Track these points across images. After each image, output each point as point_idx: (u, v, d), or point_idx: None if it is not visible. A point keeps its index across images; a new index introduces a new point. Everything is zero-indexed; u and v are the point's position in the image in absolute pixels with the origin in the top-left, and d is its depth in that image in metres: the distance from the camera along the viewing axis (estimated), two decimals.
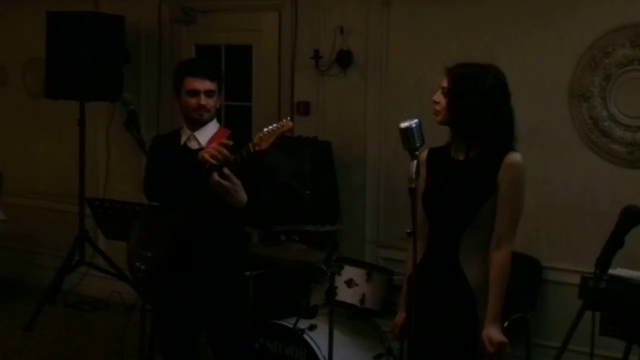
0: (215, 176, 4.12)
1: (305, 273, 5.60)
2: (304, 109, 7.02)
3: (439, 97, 3.78)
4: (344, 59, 6.75)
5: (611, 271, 3.77)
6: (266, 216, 4.81)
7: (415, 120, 3.57)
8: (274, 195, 4.66)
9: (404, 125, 3.57)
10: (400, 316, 4.03)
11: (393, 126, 3.74)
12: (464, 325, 3.75)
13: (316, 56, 6.85)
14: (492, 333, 3.70)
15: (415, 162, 3.57)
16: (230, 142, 4.14)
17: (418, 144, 3.58)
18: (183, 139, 4.53)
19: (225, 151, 4.13)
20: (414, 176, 3.55)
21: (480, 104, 3.71)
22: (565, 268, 5.72)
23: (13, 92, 8.81)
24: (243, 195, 4.24)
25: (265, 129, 4.07)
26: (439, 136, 3.89)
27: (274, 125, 4.07)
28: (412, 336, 3.66)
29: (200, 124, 4.48)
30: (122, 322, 6.25)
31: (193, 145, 4.49)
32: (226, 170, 4.12)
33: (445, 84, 3.77)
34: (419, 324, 3.71)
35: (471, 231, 3.73)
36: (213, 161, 4.14)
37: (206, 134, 4.50)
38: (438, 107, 3.78)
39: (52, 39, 7.43)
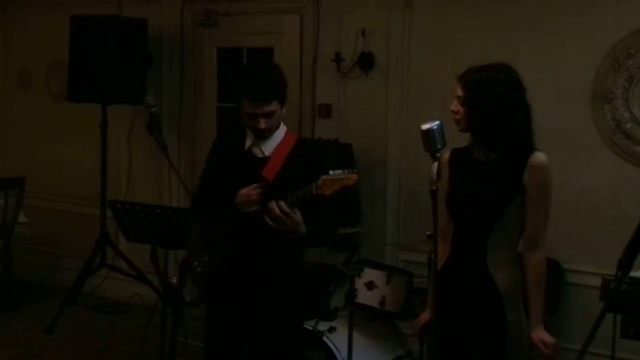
0: (276, 209, 3.98)
1: (326, 275, 5.60)
2: (325, 111, 7.02)
3: (456, 106, 3.77)
4: (366, 61, 6.74)
5: (633, 273, 3.76)
6: (322, 244, 4.70)
7: (437, 122, 3.55)
8: (333, 232, 4.55)
9: (425, 127, 3.56)
10: (425, 315, 4.02)
11: (414, 128, 3.72)
12: (492, 327, 3.74)
13: (338, 58, 6.84)
14: (544, 336, 3.73)
15: (436, 163, 3.55)
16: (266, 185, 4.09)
17: (439, 146, 3.56)
18: (248, 143, 4.35)
19: (256, 198, 4.08)
20: (435, 178, 3.53)
21: (498, 107, 3.69)
22: (587, 270, 5.69)
23: (36, 95, 8.85)
24: (302, 230, 4.08)
25: (331, 172, 3.90)
26: (461, 138, 3.88)
27: (340, 171, 3.90)
28: (433, 338, 3.65)
29: (262, 138, 4.31)
30: (143, 324, 6.28)
31: (257, 153, 4.32)
32: (285, 208, 3.97)
33: (460, 92, 3.75)
34: (445, 326, 3.71)
35: (498, 232, 3.72)
36: (245, 209, 4.11)
37: (271, 143, 4.31)
38: (457, 117, 3.77)
39: (75, 42, 7.46)
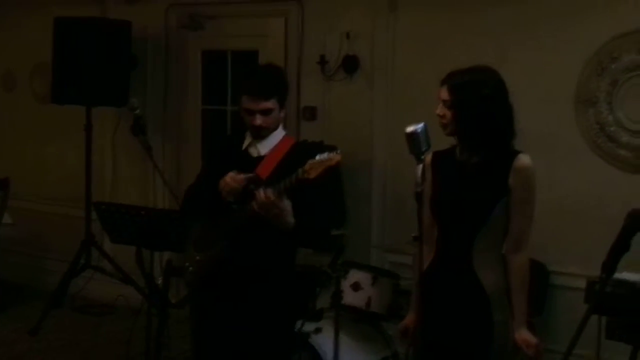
0: (262, 197, 4.03)
1: (311, 277, 5.61)
2: (310, 114, 7.04)
3: (442, 110, 3.78)
4: (350, 64, 6.76)
5: (617, 275, 3.79)
6: (316, 241, 4.71)
7: (421, 125, 3.57)
8: (327, 221, 4.55)
9: (409, 129, 3.58)
10: (409, 319, 4.04)
11: (399, 131, 3.74)
12: (479, 328, 3.76)
13: (322, 61, 6.86)
14: (527, 336, 3.76)
15: (421, 166, 3.58)
16: (256, 177, 4.11)
17: (424, 149, 3.58)
18: (245, 143, 4.41)
19: (235, 185, 4.11)
20: (420, 180, 3.56)
21: (486, 109, 3.71)
22: (572, 272, 5.72)
23: (20, 96, 8.83)
24: (289, 219, 4.13)
25: (317, 157, 3.96)
26: (445, 140, 3.90)
27: (325, 154, 3.96)
28: (419, 340, 3.67)
29: (258, 138, 4.37)
30: (128, 326, 6.26)
31: (253, 152, 4.38)
32: (270, 194, 4.02)
33: (445, 96, 3.76)
34: (432, 328, 3.73)
35: (484, 234, 3.74)
36: (229, 198, 4.14)
37: (268, 144, 4.37)
38: (444, 121, 3.78)
39: (59, 44, 7.44)
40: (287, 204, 4.08)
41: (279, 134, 4.40)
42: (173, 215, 5.06)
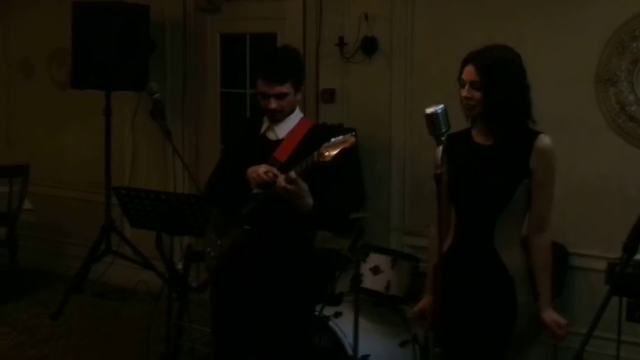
0: (282, 181, 4.04)
1: (331, 260, 5.59)
2: (329, 96, 7.01)
3: (469, 92, 3.70)
4: (369, 46, 6.73)
5: (638, 257, 3.76)
6: (337, 224, 4.71)
7: (441, 106, 3.53)
8: (347, 204, 4.55)
9: (429, 110, 3.53)
10: (424, 301, 4.01)
11: (418, 113, 3.73)
12: (503, 310, 3.74)
13: (341, 43, 6.83)
14: (556, 317, 3.75)
15: (441, 148, 3.54)
16: (278, 173, 4.08)
17: (444, 130, 3.53)
18: (263, 127, 4.41)
19: (266, 177, 4.09)
20: (440, 162, 3.52)
21: (516, 87, 3.69)
22: (592, 254, 5.69)
23: (39, 83, 8.85)
24: (309, 201, 4.12)
25: (332, 139, 3.97)
26: (463, 123, 3.87)
27: (340, 137, 3.97)
28: (438, 323, 3.64)
29: (274, 122, 4.37)
30: (149, 311, 6.28)
31: (271, 136, 4.38)
32: (292, 174, 4.03)
33: (472, 76, 3.68)
34: (455, 311, 3.71)
35: (505, 216, 3.71)
36: (257, 189, 4.14)
37: (286, 127, 4.36)
38: (472, 102, 3.70)
39: (77, 29, 7.44)
40: (305, 186, 4.07)
41: (295, 117, 4.40)
42: (193, 199, 5.05)
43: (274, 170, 4.11)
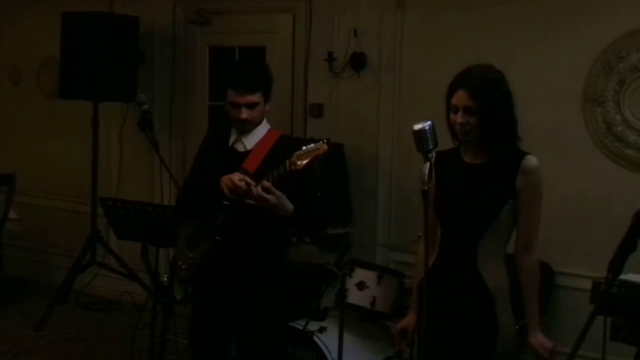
0: (258, 190, 4.07)
1: (316, 275, 5.60)
2: (317, 110, 7.02)
3: (464, 117, 3.65)
4: (358, 61, 6.74)
5: (623, 276, 3.76)
6: (319, 227, 4.75)
7: (429, 122, 3.53)
8: (326, 208, 4.59)
9: (417, 127, 3.53)
10: (410, 319, 4.01)
11: (406, 128, 3.73)
12: (484, 330, 3.73)
13: (330, 58, 6.84)
14: (543, 340, 3.74)
15: (428, 164, 3.54)
16: (251, 182, 4.12)
17: (431, 146, 3.54)
18: (231, 140, 4.47)
19: (241, 185, 4.11)
20: (427, 178, 3.52)
21: (508, 107, 3.69)
22: (577, 273, 5.70)
23: (27, 91, 8.84)
24: (288, 206, 4.18)
25: (304, 147, 4.03)
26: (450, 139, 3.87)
27: (312, 145, 4.03)
28: (421, 341, 3.64)
29: (244, 132, 4.42)
30: (133, 322, 6.27)
31: (239, 147, 4.43)
32: (266, 183, 4.07)
33: (465, 102, 3.64)
34: (434, 329, 3.70)
35: (489, 235, 3.71)
36: (230, 196, 4.15)
37: (254, 138, 4.42)
38: (468, 128, 3.67)
39: (66, 39, 7.45)
40: (280, 193, 4.13)
41: (263, 128, 4.46)
42: (175, 212, 5.06)
43: (247, 179, 4.14)
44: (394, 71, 6.61)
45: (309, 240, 5.76)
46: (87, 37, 7.32)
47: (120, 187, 8.01)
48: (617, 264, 3.24)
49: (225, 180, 4.18)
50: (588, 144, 5.78)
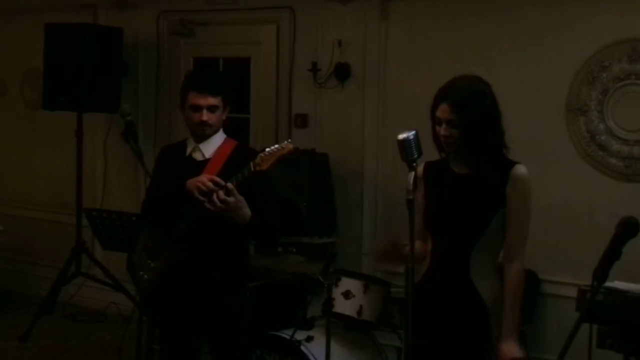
0: (221, 194, 4.11)
1: (303, 284, 5.60)
2: (301, 121, 7.04)
3: (447, 130, 3.66)
4: (342, 72, 6.77)
5: (609, 284, 3.78)
6: (271, 234, 4.79)
7: (413, 132, 3.55)
8: (279, 216, 4.63)
9: (401, 136, 3.56)
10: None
11: (390, 138, 3.74)
12: (477, 341, 3.73)
13: (314, 69, 6.86)
14: (510, 347, 3.68)
15: (412, 173, 3.55)
16: (221, 182, 4.15)
17: (416, 156, 3.56)
18: (188, 150, 4.52)
19: (211, 186, 4.15)
20: (411, 187, 3.54)
21: (491, 119, 3.69)
22: (563, 281, 5.72)
23: (11, 103, 8.81)
24: (247, 212, 4.23)
25: (267, 149, 4.08)
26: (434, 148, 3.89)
27: (276, 146, 4.08)
28: (408, 351, 3.63)
29: (203, 138, 4.46)
30: (119, 333, 6.26)
31: (197, 156, 4.48)
32: (230, 185, 4.12)
33: (447, 115, 3.65)
34: (427, 341, 3.70)
35: (481, 245, 3.71)
36: (200, 197, 4.18)
37: (211, 146, 4.48)
38: (450, 140, 3.68)
39: (50, 50, 7.44)
40: (241, 197, 4.18)
41: (220, 137, 4.53)
42: (138, 221, 5.07)
43: (216, 178, 4.18)
44: (378, 81, 6.63)
45: (294, 250, 5.76)
46: (71, 48, 7.31)
47: (105, 198, 8.00)
48: (601, 272, 3.25)
49: (194, 182, 4.21)
50: (572, 153, 5.81)
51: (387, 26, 6.58)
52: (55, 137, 8.36)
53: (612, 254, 3.24)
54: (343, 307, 5.40)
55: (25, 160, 8.75)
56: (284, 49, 7.15)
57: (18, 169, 8.76)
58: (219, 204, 4.12)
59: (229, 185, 4.12)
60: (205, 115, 4.37)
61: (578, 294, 4.12)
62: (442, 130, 3.69)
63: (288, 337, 5.31)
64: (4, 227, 7.94)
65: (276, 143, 4.19)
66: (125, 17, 7.88)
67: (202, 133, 4.43)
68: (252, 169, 4.09)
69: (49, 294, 7.59)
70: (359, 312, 5.37)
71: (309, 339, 5.36)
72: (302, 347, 5.28)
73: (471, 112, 3.63)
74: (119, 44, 7.61)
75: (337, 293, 5.41)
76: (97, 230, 5.58)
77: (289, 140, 4.13)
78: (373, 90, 6.66)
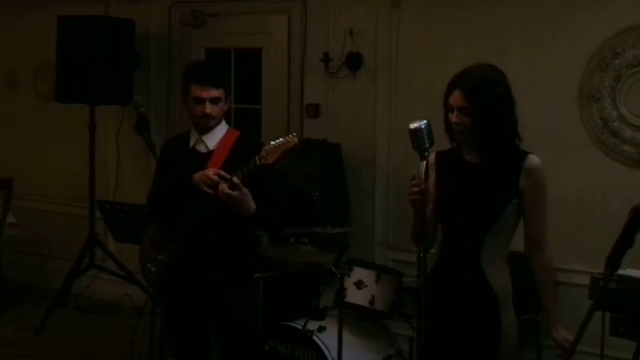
0: (225, 188, 4.12)
1: (315, 275, 5.60)
2: (313, 111, 7.03)
3: (459, 117, 3.66)
4: (354, 62, 6.75)
5: (622, 272, 3.76)
6: (276, 226, 4.80)
7: (425, 121, 3.54)
8: (284, 208, 4.63)
9: (413, 126, 3.54)
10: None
11: (402, 128, 3.71)
12: (488, 330, 3.73)
13: (326, 59, 6.85)
14: (566, 334, 3.77)
15: (424, 163, 3.55)
16: (227, 175, 4.16)
17: (428, 145, 3.54)
18: (192, 142, 4.53)
19: (216, 179, 4.16)
20: (423, 177, 3.54)
21: (504, 109, 3.68)
22: (576, 269, 5.70)
23: (24, 96, 8.83)
24: (252, 205, 4.24)
25: (272, 143, 4.08)
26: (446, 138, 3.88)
27: (281, 139, 4.08)
28: (421, 340, 3.62)
29: (206, 130, 4.47)
30: (133, 325, 6.26)
31: (201, 149, 4.49)
32: (235, 179, 4.13)
33: (460, 102, 3.65)
34: (437, 329, 3.70)
35: (492, 235, 3.70)
36: (208, 190, 4.18)
37: (214, 138, 4.49)
38: (462, 128, 3.68)
39: (63, 43, 7.45)
40: (246, 191, 4.19)
41: (223, 128, 4.53)
42: (146, 215, 5.08)
43: (222, 172, 4.19)
44: (390, 71, 6.62)
45: (307, 241, 5.76)
46: (84, 41, 7.32)
47: (118, 191, 8.01)
48: (614, 260, 3.23)
49: (200, 177, 4.23)
50: (585, 141, 5.79)
51: (398, 15, 6.56)
52: (68, 130, 8.37)
53: (625, 242, 3.22)
54: (355, 297, 5.41)
55: (39, 153, 8.77)
56: (295, 40, 7.15)
57: (31, 162, 8.77)
58: (224, 192, 4.13)
59: (235, 179, 4.13)
60: (209, 108, 4.37)
61: (591, 282, 4.09)
62: (454, 117, 3.68)
63: (300, 328, 5.32)
64: (18, 221, 7.95)
65: (288, 134, 4.19)
66: (137, 9, 7.89)
67: (205, 125, 4.44)
68: (258, 163, 4.10)
69: (63, 287, 7.61)
70: (372, 302, 5.38)
71: (322, 329, 5.37)
72: (315, 338, 5.29)
73: (484, 100, 3.63)
74: (131, 36, 7.62)
75: (349, 283, 5.42)
76: (110, 223, 5.59)
77: (294, 133, 4.13)
78: (385, 80, 6.64)
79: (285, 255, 5.67)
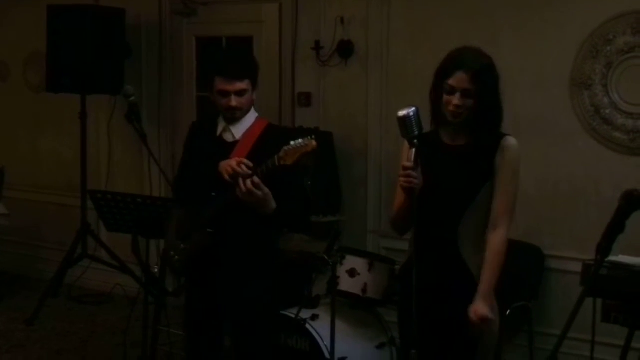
0: (248, 184, 4.07)
1: (308, 263, 5.60)
2: (305, 99, 7.02)
3: (461, 99, 3.65)
4: (345, 50, 6.74)
5: (613, 258, 3.77)
6: (295, 226, 4.76)
7: (413, 108, 3.54)
8: (302, 207, 4.60)
9: (401, 113, 3.55)
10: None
11: (394, 116, 3.70)
12: (465, 310, 3.72)
13: (317, 47, 6.84)
14: (479, 306, 3.68)
15: (414, 150, 3.56)
16: (251, 164, 4.10)
17: (416, 132, 3.55)
18: (219, 129, 4.46)
19: (239, 170, 4.10)
20: (412, 165, 3.55)
21: (499, 90, 3.72)
22: (567, 256, 5.71)
23: (14, 86, 8.80)
24: (272, 204, 4.20)
25: (292, 142, 3.99)
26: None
27: (300, 141, 3.99)
28: (414, 325, 3.63)
29: (234, 120, 4.40)
30: (125, 314, 6.26)
31: (228, 137, 4.43)
32: (256, 179, 4.07)
33: (464, 84, 3.63)
34: (422, 315, 3.69)
35: (470, 216, 3.73)
36: (230, 180, 4.14)
37: (242, 127, 4.41)
38: (461, 110, 3.67)
39: (52, 32, 7.42)
40: (267, 190, 4.14)
41: (251, 117, 4.46)
42: (169, 203, 5.05)
43: (246, 161, 4.13)
44: (381, 59, 6.61)
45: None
46: (74, 30, 7.29)
47: (109, 180, 8.01)
48: (605, 246, 3.23)
49: (224, 165, 4.18)
50: (576, 128, 5.79)
51: (389, 2, 6.54)
52: (59, 119, 8.36)
53: (615, 228, 3.22)
54: (348, 285, 5.42)
55: (30, 143, 8.76)
56: (286, 28, 7.13)
57: (23, 152, 8.76)
58: (244, 189, 4.07)
59: (255, 179, 4.07)
60: (234, 101, 4.29)
61: (582, 269, 4.11)
62: (455, 99, 3.67)
63: (293, 316, 5.32)
64: (10, 211, 7.93)
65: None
66: None
67: (232, 117, 4.37)
68: (277, 163, 4.03)
69: (55, 277, 7.60)
70: (364, 290, 5.39)
71: (314, 317, 5.37)
72: (308, 326, 5.29)
73: (489, 83, 3.67)
74: (121, 25, 7.59)
75: (342, 271, 5.43)
76: (101, 212, 5.56)
77: (312, 136, 4.05)
78: (376, 68, 6.63)
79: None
